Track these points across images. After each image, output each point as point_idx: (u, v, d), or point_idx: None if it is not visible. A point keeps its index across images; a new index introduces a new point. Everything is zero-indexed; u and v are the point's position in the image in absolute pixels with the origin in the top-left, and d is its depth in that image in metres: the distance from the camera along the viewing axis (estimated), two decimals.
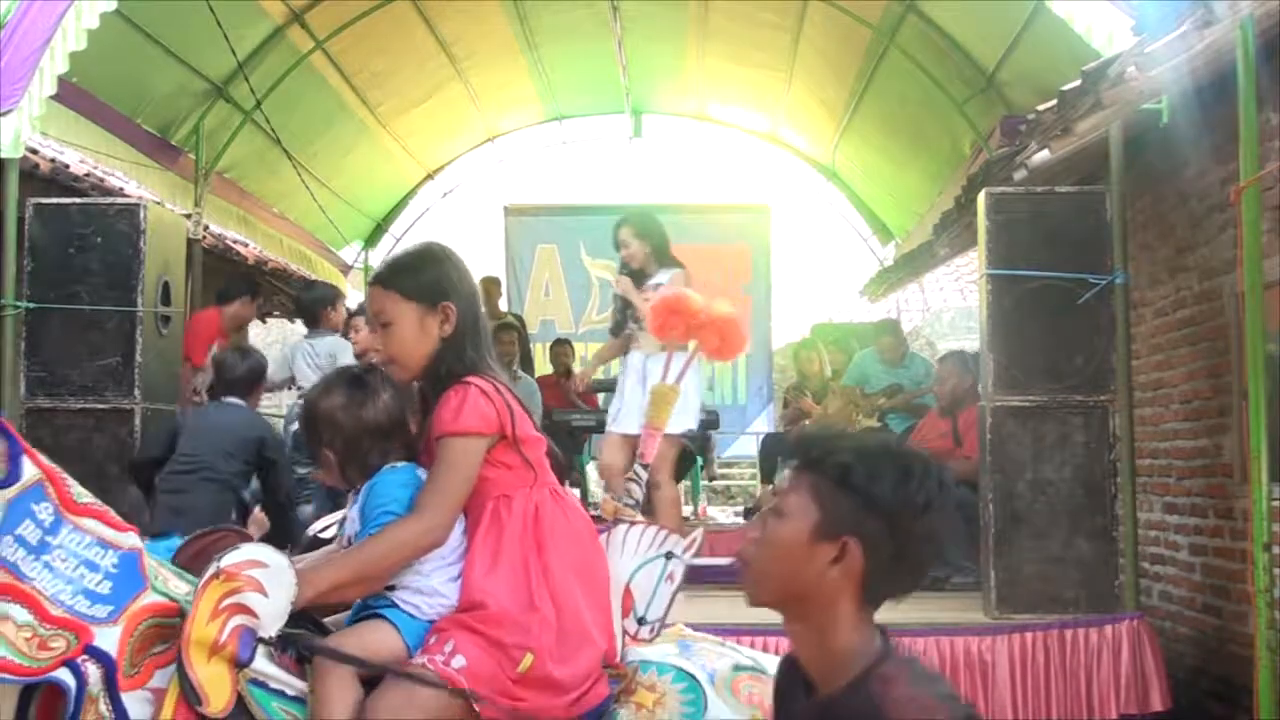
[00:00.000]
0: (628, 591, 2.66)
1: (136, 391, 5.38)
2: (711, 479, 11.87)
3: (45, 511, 2.25)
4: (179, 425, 5.32)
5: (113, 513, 2.40)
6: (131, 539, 2.36)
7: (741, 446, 12.21)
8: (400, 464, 2.60)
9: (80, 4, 4.98)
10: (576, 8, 9.37)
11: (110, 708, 2.21)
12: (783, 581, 1.66)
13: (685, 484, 9.70)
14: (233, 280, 7.60)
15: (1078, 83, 4.98)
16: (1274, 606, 4.00)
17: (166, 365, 5.72)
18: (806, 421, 8.69)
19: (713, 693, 2.52)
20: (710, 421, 8.77)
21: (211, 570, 2.27)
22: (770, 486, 8.92)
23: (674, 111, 12.40)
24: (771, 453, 9.15)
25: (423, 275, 2.66)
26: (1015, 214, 5.23)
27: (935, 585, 5.88)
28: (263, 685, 2.31)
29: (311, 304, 6.71)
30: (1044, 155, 5.46)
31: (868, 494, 1.61)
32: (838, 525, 1.62)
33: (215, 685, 2.21)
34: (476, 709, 2.33)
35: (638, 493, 3.06)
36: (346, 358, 5.91)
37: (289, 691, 2.34)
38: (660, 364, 5.57)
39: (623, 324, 6.09)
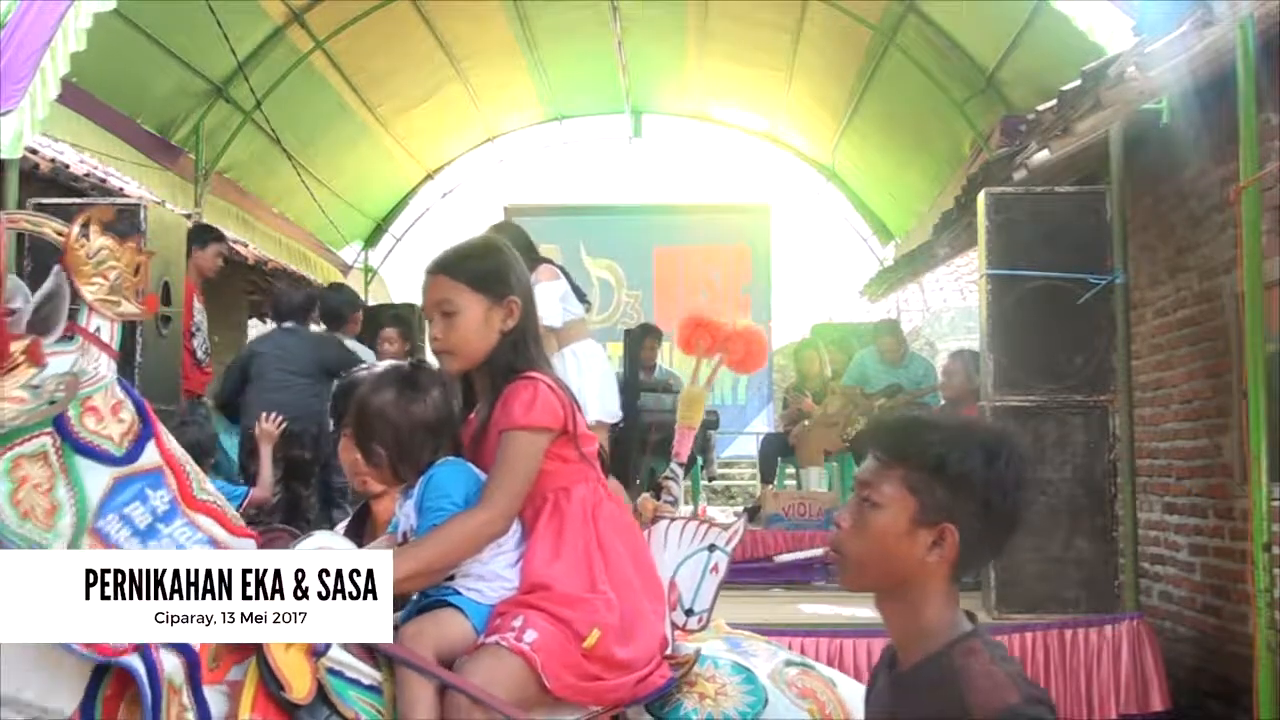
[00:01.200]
0: (673, 585, 2.71)
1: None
2: (711, 479, 11.86)
3: (161, 499, 2.27)
4: (251, 354, 6.57)
5: (233, 515, 2.41)
6: (243, 543, 2.36)
7: (741, 446, 12.22)
8: (452, 459, 2.60)
9: (80, 4, 4.97)
10: (576, 8, 9.38)
11: (193, 700, 2.20)
12: (883, 568, 1.73)
13: (685, 484, 9.70)
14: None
15: (1078, 83, 4.98)
16: (1274, 606, 4.00)
17: (166, 365, 5.72)
18: (806, 422, 8.70)
19: (771, 686, 2.55)
20: (710, 421, 8.78)
21: None
22: (770, 486, 8.93)
23: (674, 111, 12.41)
24: (771, 453, 9.15)
25: (490, 267, 2.65)
26: (1015, 214, 5.23)
27: None
28: (339, 674, 2.31)
29: (340, 306, 6.75)
30: (1044, 155, 5.46)
31: (962, 481, 1.68)
32: (935, 513, 1.69)
33: (296, 672, 2.22)
34: (548, 685, 2.34)
35: (675, 489, 3.13)
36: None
37: (364, 680, 2.35)
38: (561, 363, 5.63)
39: None
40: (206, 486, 2.38)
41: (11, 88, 4.75)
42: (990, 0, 7.16)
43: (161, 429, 2.35)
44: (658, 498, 3.17)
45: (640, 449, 7.08)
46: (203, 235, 6.88)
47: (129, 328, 5.35)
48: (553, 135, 12.72)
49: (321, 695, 2.27)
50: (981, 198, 5.31)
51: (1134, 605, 5.11)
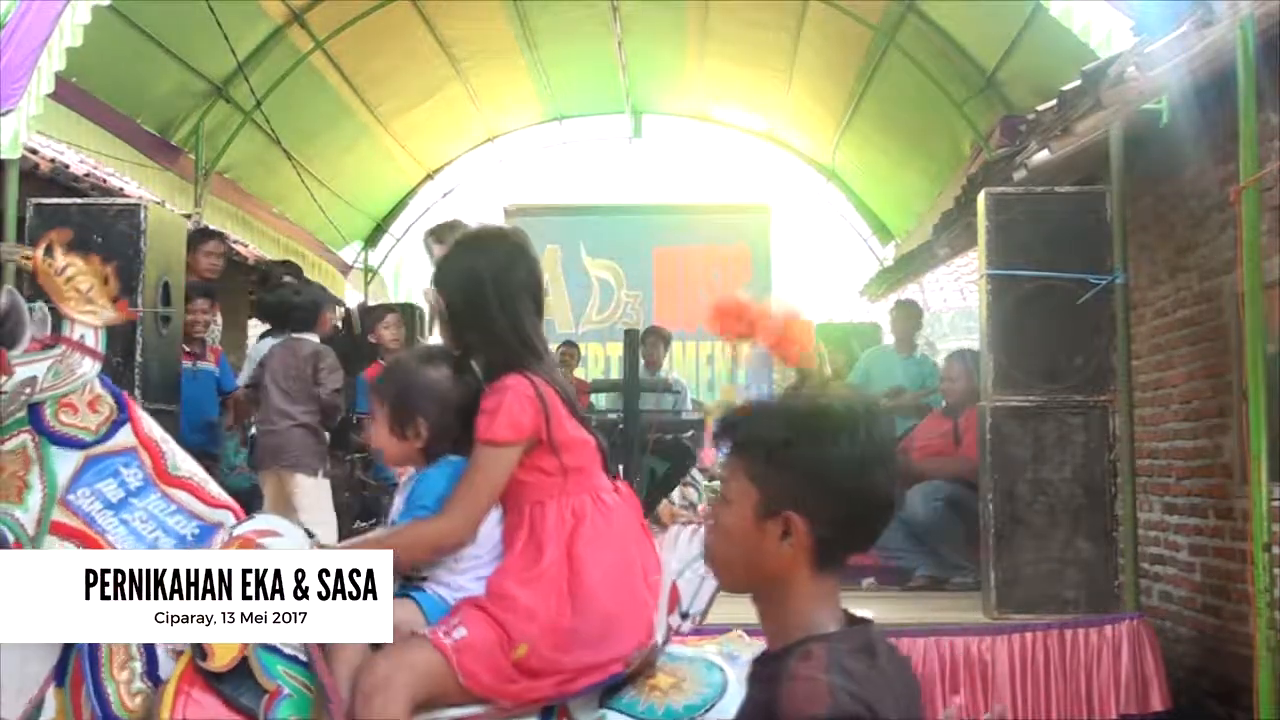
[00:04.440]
0: (674, 589, 2.71)
1: (136, 391, 5.35)
2: (712, 479, 11.86)
3: (134, 476, 2.53)
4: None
5: (212, 489, 2.61)
6: (221, 515, 2.56)
7: None
8: (452, 458, 2.62)
9: (77, 2, 4.97)
10: (576, 8, 9.37)
11: (141, 651, 2.40)
12: (743, 566, 1.63)
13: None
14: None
15: (1078, 83, 4.98)
16: (1274, 606, 4.00)
17: (166, 365, 5.71)
18: None
19: (738, 678, 2.52)
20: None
21: (227, 538, 2.48)
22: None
23: (674, 111, 12.40)
24: None
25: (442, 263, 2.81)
26: (1015, 214, 5.23)
27: (935, 585, 5.89)
28: (274, 650, 2.43)
29: (315, 305, 6.65)
30: (1044, 155, 5.46)
31: (798, 466, 1.58)
32: (776, 502, 1.58)
33: (221, 642, 2.36)
34: (461, 679, 2.42)
35: (693, 495, 3.17)
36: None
37: (301, 656, 2.45)
38: None
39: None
40: (183, 464, 2.59)
41: (11, 88, 4.76)
42: (990, 0, 7.15)
43: (140, 415, 2.62)
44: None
45: (640, 449, 7.09)
46: (198, 237, 6.86)
47: (129, 328, 5.40)
48: (553, 135, 12.71)
49: (245, 666, 2.39)
50: (981, 198, 5.31)
51: (1134, 605, 5.11)
